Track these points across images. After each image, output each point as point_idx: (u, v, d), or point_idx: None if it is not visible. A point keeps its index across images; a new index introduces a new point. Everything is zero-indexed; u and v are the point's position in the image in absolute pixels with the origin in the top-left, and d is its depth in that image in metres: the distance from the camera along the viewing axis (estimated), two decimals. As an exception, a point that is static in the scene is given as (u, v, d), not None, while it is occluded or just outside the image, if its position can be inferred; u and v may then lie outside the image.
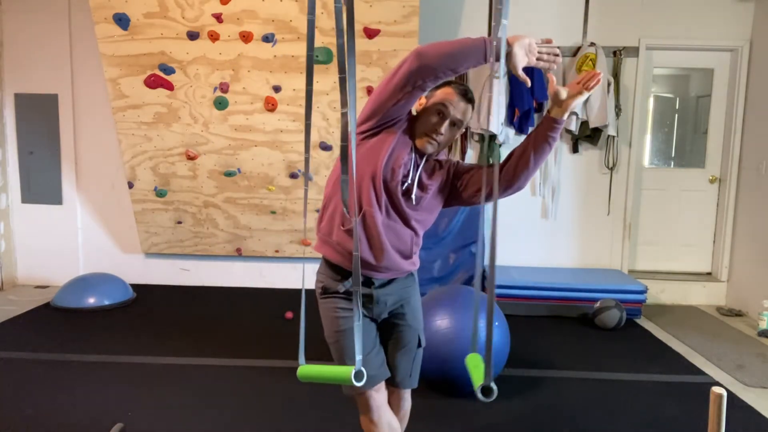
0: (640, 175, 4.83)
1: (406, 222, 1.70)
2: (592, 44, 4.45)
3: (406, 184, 1.66)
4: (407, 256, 1.74)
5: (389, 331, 1.82)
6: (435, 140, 1.64)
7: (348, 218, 1.59)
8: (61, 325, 3.83)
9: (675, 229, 4.83)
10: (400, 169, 1.64)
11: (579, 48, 4.51)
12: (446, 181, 1.75)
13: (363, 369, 1.21)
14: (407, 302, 1.81)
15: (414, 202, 1.68)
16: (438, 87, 1.66)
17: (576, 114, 4.41)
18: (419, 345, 1.86)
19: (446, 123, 1.64)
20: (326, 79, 4.03)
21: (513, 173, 1.65)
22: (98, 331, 3.71)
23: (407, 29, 3.91)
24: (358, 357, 1.26)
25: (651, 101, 4.87)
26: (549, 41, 1.49)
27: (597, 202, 4.76)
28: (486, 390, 0.92)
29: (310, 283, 1.96)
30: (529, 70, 4.43)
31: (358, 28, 3.91)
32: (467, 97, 1.65)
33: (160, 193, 4.46)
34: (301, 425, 2.55)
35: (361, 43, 3.94)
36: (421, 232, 1.77)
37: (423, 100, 1.70)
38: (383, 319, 1.80)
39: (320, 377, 1.33)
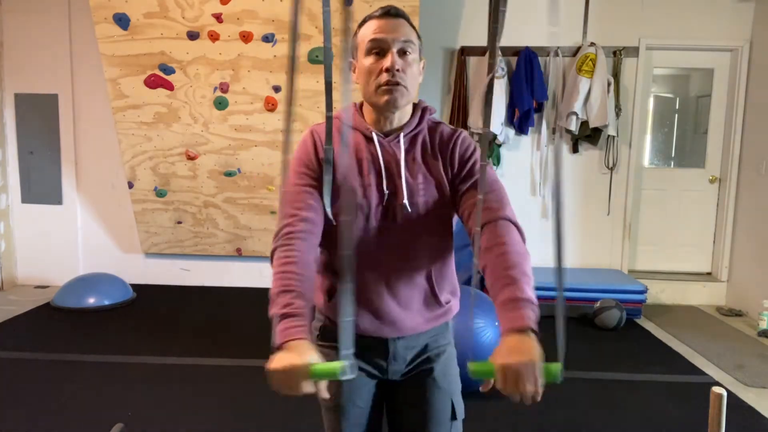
0: (640, 175, 4.83)
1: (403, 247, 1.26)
2: (592, 44, 4.45)
3: (386, 195, 1.22)
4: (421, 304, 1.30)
5: (407, 394, 1.33)
6: (393, 82, 1.18)
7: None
8: (61, 325, 3.83)
9: (675, 229, 4.83)
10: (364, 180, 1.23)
11: (579, 48, 4.51)
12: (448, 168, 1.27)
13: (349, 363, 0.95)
14: (436, 354, 1.33)
15: (408, 209, 1.23)
16: (358, 30, 1.26)
17: (576, 114, 4.41)
18: (453, 417, 1.31)
19: (391, 54, 1.18)
20: (326, 79, 4.03)
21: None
22: (98, 331, 3.71)
23: (407, 29, 3.91)
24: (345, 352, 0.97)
25: (651, 101, 4.87)
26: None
27: (597, 202, 4.76)
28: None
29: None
30: (528, 70, 4.43)
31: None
32: (391, 12, 1.21)
33: (160, 193, 4.46)
34: (302, 425, 2.55)
35: (361, 43, 3.94)
36: (435, 257, 1.28)
37: (354, 65, 1.28)
38: (399, 380, 1.34)
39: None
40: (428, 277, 1.28)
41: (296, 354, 0.97)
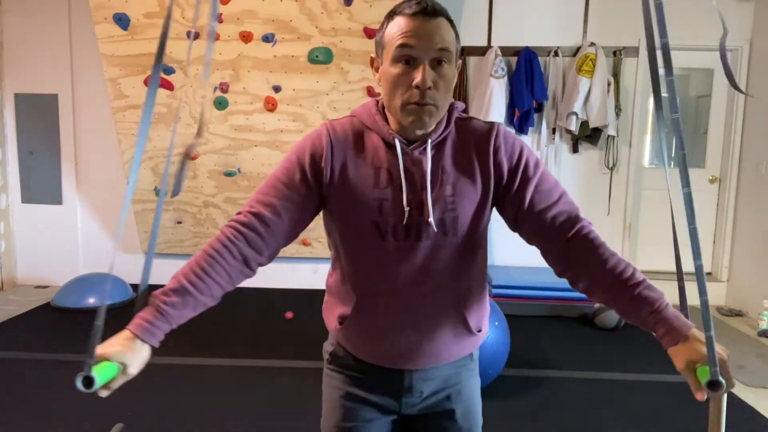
0: (640, 175, 4.83)
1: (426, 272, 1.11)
2: (592, 44, 4.45)
3: (406, 212, 1.06)
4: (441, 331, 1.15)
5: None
6: (424, 102, 1.01)
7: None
8: (61, 325, 3.83)
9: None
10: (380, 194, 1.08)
11: (579, 48, 4.50)
12: (492, 181, 1.11)
13: (94, 376, 0.88)
14: (458, 391, 1.21)
15: (435, 228, 1.07)
16: (385, 24, 1.06)
17: (576, 114, 4.41)
18: None
19: (423, 69, 1.00)
20: (326, 79, 4.03)
21: (579, 280, 1.08)
22: (98, 331, 3.71)
23: (407, 29, 3.91)
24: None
25: (651, 101, 4.87)
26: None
27: (597, 202, 4.76)
28: (714, 384, 0.88)
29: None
30: (528, 70, 4.43)
31: (358, 28, 3.90)
32: (427, 11, 1.00)
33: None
34: (302, 425, 2.55)
35: (362, 43, 3.94)
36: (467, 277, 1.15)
37: (377, 63, 1.10)
38: (416, 415, 1.22)
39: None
40: (457, 303, 1.13)
41: (109, 343, 0.93)
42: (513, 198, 1.09)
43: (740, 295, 4.55)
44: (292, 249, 4.69)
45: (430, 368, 1.16)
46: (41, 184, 4.78)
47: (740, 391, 3.02)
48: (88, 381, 0.87)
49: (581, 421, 2.64)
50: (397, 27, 1.02)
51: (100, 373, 0.89)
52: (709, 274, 4.87)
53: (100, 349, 0.91)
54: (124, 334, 0.95)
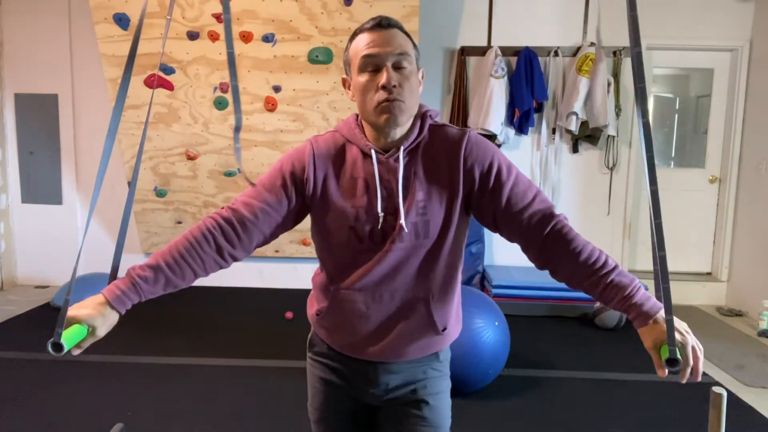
0: (640, 175, 4.83)
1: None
2: (592, 44, 4.45)
3: (380, 217, 1.15)
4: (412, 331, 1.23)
5: (393, 424, 1.27)
6: (391, 98, 1.10)
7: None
8: (61, 325, 3.83)
9: (675, 229, 4.83)
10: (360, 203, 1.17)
11: (579, 48, 4.50)
12: (465, 186, 1.17)
13: (63, 343, 0.97)
14: (423, 386, 1.26)
15: (405, 230, 1.14)
16: (349, 45, 1.18)
17: (576, 114, 4.41)
18: None
19: (386, 70, 1.10)
20: (326, 79, 4.03)
21: (557, 270, 1.16)
22: (98, 331, 3.71)
23: (407, 29, 3.87)
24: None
25: (651, 101, 4.87)
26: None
27: (597, 202, 4.76)
28: (671, 361, 1.03)
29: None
30: (528, 70, 4.43)
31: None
32: (382, 24, 1.14)
33: (160, 193, 4.46)
34: (302, 425, 2.55)
35: (361, 43, 3.94)
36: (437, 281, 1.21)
37: (348, 81, 1.21)
38: (384, 405, 1.29)
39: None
40: (426, 303, 1.20)
41: (81, 305, 1.05)
42: (489, 202, 1.16)
43: (740, 295, 4.56)
44: (292, 249, 4.69)
45: (395, 363, 1.24)
46: (41, 184, 4.78)
47: (740, 391, 3.03)
48: (58, 347, 0.97)
49: (581, 421, 2.64)
50: (359, 42, 1.14)
51: (70, 337, 0.99)
52: (709, 274, 4.87)
53: (72, 311, 1.03)
54: (97, 299, 1.08)
